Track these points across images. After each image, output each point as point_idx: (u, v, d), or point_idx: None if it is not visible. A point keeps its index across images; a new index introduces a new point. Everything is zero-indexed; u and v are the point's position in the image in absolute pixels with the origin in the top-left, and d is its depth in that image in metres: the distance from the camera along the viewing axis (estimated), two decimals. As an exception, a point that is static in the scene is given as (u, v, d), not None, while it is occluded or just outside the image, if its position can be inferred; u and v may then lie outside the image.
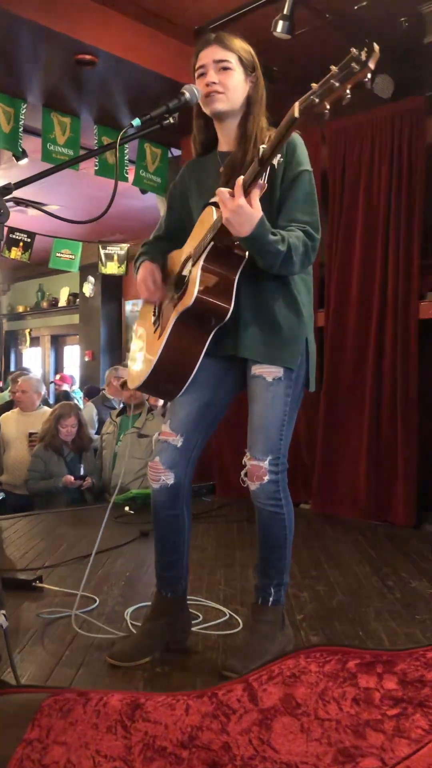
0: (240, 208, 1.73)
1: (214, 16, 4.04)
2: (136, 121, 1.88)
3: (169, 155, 5.41)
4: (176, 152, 5.39)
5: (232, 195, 1.74)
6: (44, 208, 7.50)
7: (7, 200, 1.71)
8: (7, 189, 1.70)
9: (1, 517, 4.18)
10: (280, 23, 3.76)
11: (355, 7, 3.94)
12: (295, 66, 4.16)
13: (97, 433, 5.80)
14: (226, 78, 1.99)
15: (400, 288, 4.10)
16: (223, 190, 1.76)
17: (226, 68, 1.99)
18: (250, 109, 2.04)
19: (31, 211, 7.67)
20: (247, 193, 1.73)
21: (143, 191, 5.67)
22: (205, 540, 3.59)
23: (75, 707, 1.33)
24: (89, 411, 6.20)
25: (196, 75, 2.04)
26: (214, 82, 1.98)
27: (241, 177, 1.73)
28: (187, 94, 1.96)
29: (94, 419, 6.21)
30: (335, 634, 2.33)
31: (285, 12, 3.74)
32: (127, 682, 1.96)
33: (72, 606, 2.45)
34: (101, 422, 6.09)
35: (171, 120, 1.95)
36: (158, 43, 4.24)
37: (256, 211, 1.75)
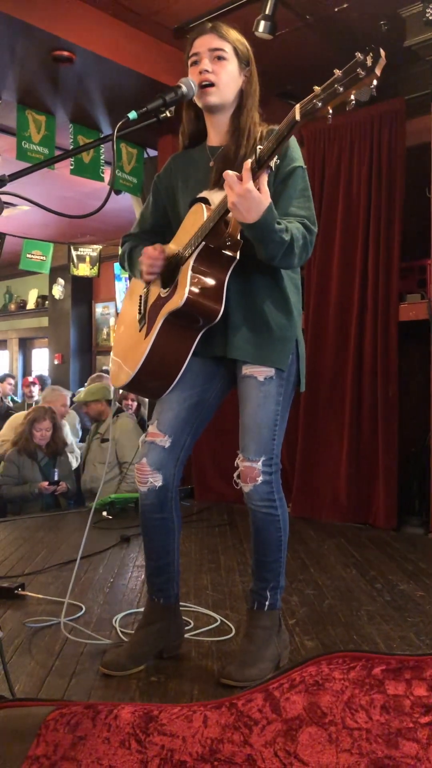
0: (248, 193, 1.66)
1: (195, 14, 4.02)
2: (133, 114, 1.82)
3: (145, 155, 5.36)
4: (152, 153, 5.34)
5: (240, 179, 1.68)
6: (10, 208, 7.38)
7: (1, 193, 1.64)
8: (2, 181, 1.63)
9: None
10: (262, 23, 3.74)
11: (336, 9, 3.95)
12: (275, 67, 4.14)
13: (82, 440, 5.73)
14: (220, 68, 1.94)
15: (380, 290, 4.10)
16: (231, 173, 1.68)
17: (220, 57, 1.94)
18: (243, 102, 2.00)
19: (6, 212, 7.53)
20: (255, 177, 1.67)
21: (117, 192, 5.60)
22: (187, 545, 3.54)
23: (83, 721, 1.26)
24: (72, 418, 6.10)
25: (189, 63, 1.97)
26: (207, 71, 1.93)
27: (249, 160, 1.67)
28: (184, 87, 1.91)
29: (77, 426, 6.12)
30: (330, 639, 2.29)
31: (266, 12, 3.73)
32: (122, 691, 1.90)
33: (57, 614, 2.39)
34: (85, 430, 6.01)
35: (168, 114, 1.90)
36: (137, 42, 4.19)
37: (265, 197, 1.69)
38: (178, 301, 1.84)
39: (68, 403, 5.57)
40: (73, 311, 9.36)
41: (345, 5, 3.91)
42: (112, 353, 2.25)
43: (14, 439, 4.67)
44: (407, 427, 4.15)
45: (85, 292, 9.46)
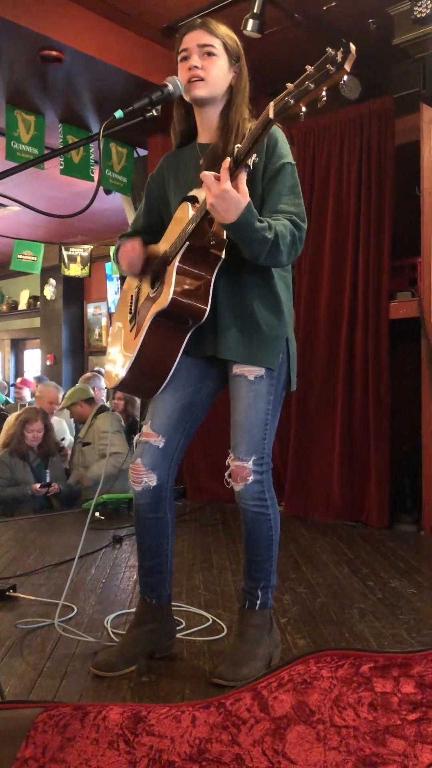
0: (226, 193, 1.65)
1: (184, 14, 4.00)
2: (119, 113, 1.82)
3: (135, 155, 5.35)
4: (142, 152, 5.33)
5: (218, 179, 1.67)
6: (5, 207, 7.37)
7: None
8: (-13, 181, 1.63)
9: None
10: (251, 22, 3.74)
11: (324, 8, 3.95)
12: (263, 66, 4.13)
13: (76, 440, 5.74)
14: (210, 63, 1.93)
15: (371, 288, 4.11)
16: (208, 174, 1.67)
17: (210, 53, 1.93)
18: (232, 98, 1.99)
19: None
20: (233, 177, 1.67)
21: (108, 192, 5.59)
22: (180, 544, 3.53)
23: (72, 722, 1.26)
24: (66, 417, 6.09)
25: (179, 58, 1.97)
26: (197, 66, 1.92)
27: (228, 159, 1.66)
28: (171, 86, 1.91)
29: (72, 426, 6.10)
30: (321, 637, 2.29)
31: (255, 11, 3.72)
32: (113, 692, 1.89)
33: (49, 615, 2.38)
34: (78, 429, 6.00)
35: (154, 113, 1.90)
36: (126, 41, 4.18)
37: (243, 197, 1.68)
38: (163, 301, 1.84)
39: (59, 400, 5.54)
40: (65, 312, 9.34)
41: (333, 3, 3.91)
42: (107, 353, 2.25)
43: (5, 441, 4.65)
44: (399, 426, 4.16)
45: (76, 292, 9.44)
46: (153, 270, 2.02)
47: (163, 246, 2.02)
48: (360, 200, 4.17)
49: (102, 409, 5.02)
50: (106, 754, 1.18)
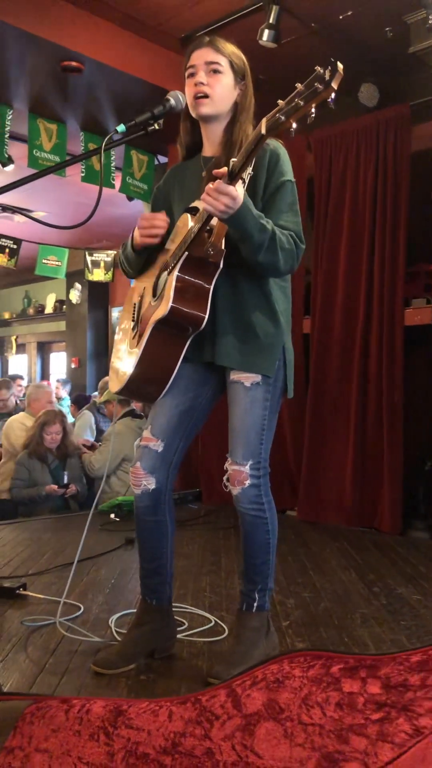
0: (219, 189, 1.71)
1: (201, 24, 4.07)
2: (121, 127, 1.88)
3: (156, 162, 5.42)
4: (163, 159, 5.40)
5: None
6: (30, 214, 7.50)
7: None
8: (-9, 194, 1.70)
9: (-15, 524, 4.15)
10: (266, 32, 3.79)
11: (341, 17, 3.98)
12: (281, 74, 4.18)
13: (96, 440, 5.82)
14: (215, 81, 1.99)
15: (386, 294, 4.12)
16: (208, 187, 1.75)
17: (216, 71, 1.99)
18: (237, 115, 2.05)
19: (18, 218, 7.65)
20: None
21: (130, 198, 5.68)
22: (191, 547, 3.58)
23: (57, 714, 1.31)
24: (87, 419, 6.18)
25: (186, 75, 2.04)
26: (203, 83, 1.98)
27: (224, 168, 1.73)
28: (172, 101, 1.97)
29: (93, 427, 6.19)
30: (321, 641, 2.32)
31: (270, 21, 3.77)
32: (111, 689, 1.94)
33: (56, 613, 2.44)
34: (100, 431, 6.10)
35: (156, 126, 1.96)
36: (145, 51, 4.25)
37: (239, 195, 1.75)
38: (163, 309, 1.89)
39: (53, 400, 5.63)
40: (90, 315, 9.45)
41: (350, 13, 3.94)
42: (111, 359, 2.30)
43: (25, 443, 4.74)
44: (412, 432, 4.16)
45: (101, 296, 9.56)
46: (155, 278, 2.08)
47: (165, 255, 2.07)
48: (375, 206, 4.19)
49: (130, 413, 5.08)
50: (87, 745, 1.23)
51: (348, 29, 4.07)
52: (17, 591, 2.74)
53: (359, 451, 4.21)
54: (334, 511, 4.27)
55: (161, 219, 2.03)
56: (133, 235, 2.09)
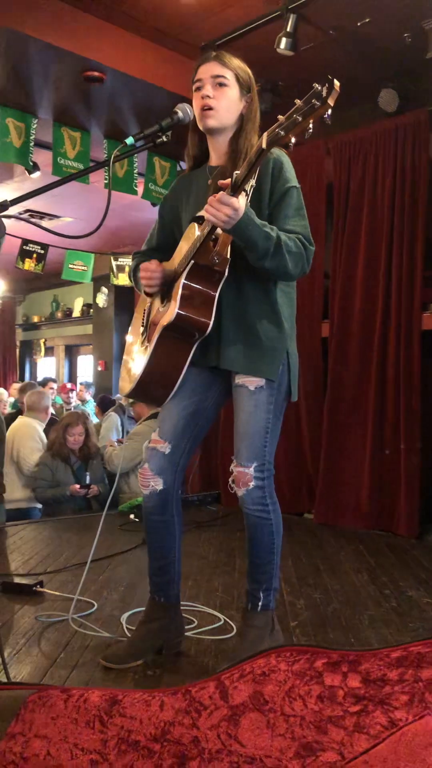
0: (222, 200, 1.77)
1: (221, 33, 4.13)
2: (130, 140, 1.95)
3: (178, 168, 5.49)
4: (185, 166, 5.46)
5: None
6: (54, 220, 7.64)
7: (3, 216, 1.78)
8: (3, 206, 1.77)
9: (8, 524, 4.25)
10: (284, 40, 3.83)
11: (359, 24, 4.01)
12: (300, 81, 4.22)
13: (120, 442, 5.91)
14: (221, 94, 2.05)
15: (404, 299, 4.13)
16: (211, 198, 1.81)
17: (222, 84, 2.06)
18: (242, 126, 2.11)
19: (45, 223, 7.78)
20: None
21: (154, 204, 5.76)
22: (206, 548, 3.63)
23: (57, 702, 1.38)
24: (114, 421, 6.27)
25: (193, 88, 2.11)
26: (209, 96, 2.05)
27: (228, 180, 1.80)
28: (180, 113, 2.04)
29: (119, 429, 6.27)
30: (326, 641, 2.36)
31: (288, 29, 3.81)
32: (118, 683, 2.01)
33: (70, 610, 2.51)
34: (126, 433, 6.18)
35: (164, 138, 2.03)
36: (165, 60, 4.33)
37: (241, 206, 1.81)
38: (170, 316, 1.96)
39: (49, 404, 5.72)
40: (116, 319, 9.56)
41: (367, 19, 3.97)
42: (124, 358, 2.37)
43: (48, 444, 4.84)
44: (430, 436, 4.16)
45: (126, 300, 9.66)
46: (164, 285, 2.14)
47: (173, 263, 2.14)
48: (393, 211, 4.21)
49: (156, 414, 5.16)
50: (83, 732, 1.29)
51: (366, 36, 4.09)
52: (34, 588, 2.82)
53: (376, 455, 4.22)
54: (351, 514, 4.29)
55: (154, 270, 2.12)
56: (137, 273, 2.21)
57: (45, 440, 5.08)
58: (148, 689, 1.37)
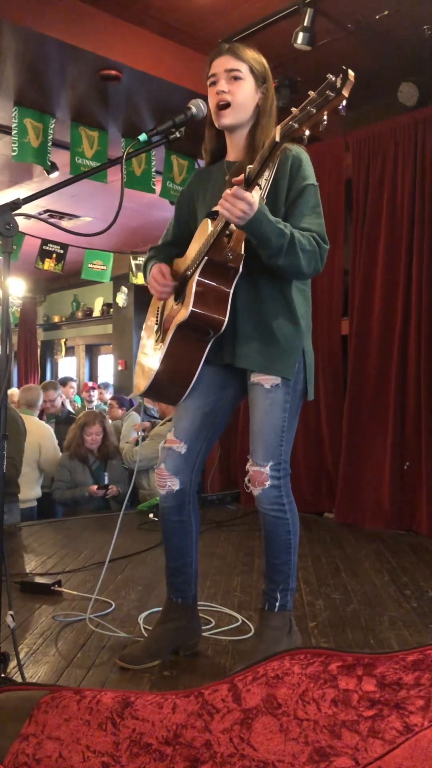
0: (236, 195, 1.75)
1: (237, 29, 4.10)
2: (143, 136, 1.94)
3: (196, 166, 5.47)
4: (203, 163, 5.44)
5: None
6: (74, 220, 7.66)
7: (16, 215, 1.77)
8: (16, 204, 1.77)
9: (27, 523, 4.26)
10: (300, 35, 3.79)
11: (377, 17, 3.96)
12: (318, 77, 4.19)
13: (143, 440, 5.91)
14: (236, 87, 2.02)
15: (424, 295, 4.08)
16: (226, 192, 1.79)
17: (236, 78, 2.02)
18: (259, 119, 2.08)
19: (64, 223, 7.80)
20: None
21: (172, 202, 5.75)
22: (226, 548, 3.61)
23: (70, 704, 1.37)
24: (135, 420, 6.27)
25: (208, 83, 2.08)
26: (224, 91, 2.02)
27: (241, 176, 1.77)
28: (194, 109, 2.02)
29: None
30: (346, 642, 2.33)
31: (305, 24, 3.78)
32: (134, 684, 1.99)
33: (88, 610, 2.50)
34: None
35: (177, 134, 2.01)
36: (181, 57, 4.31)
37: (255, 201, 1.78)
38: (184, 313, 1.94)
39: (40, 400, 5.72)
40: (135, 319, 9.56)
41: (386, 12, 3.92)
42: (138, 356, 2.36)
43: (66, 444, 4.85)
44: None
45: (146, 300, 9.57)
46: (178, 282, 2.13)
47: (188, 258, 2.12)
48: (414, 206, 4.16)
49: None
50: (95, 733, 1.28)
51: (385, 29, 4.04)
52: (52, 587, 2.82)
53: (397, 453, 4.18)
54: (372, 513, 4.24)
55: (165, 285, 2.12)
56: (148, 265, 2.22)
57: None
58: (160, 692, 1.35)
